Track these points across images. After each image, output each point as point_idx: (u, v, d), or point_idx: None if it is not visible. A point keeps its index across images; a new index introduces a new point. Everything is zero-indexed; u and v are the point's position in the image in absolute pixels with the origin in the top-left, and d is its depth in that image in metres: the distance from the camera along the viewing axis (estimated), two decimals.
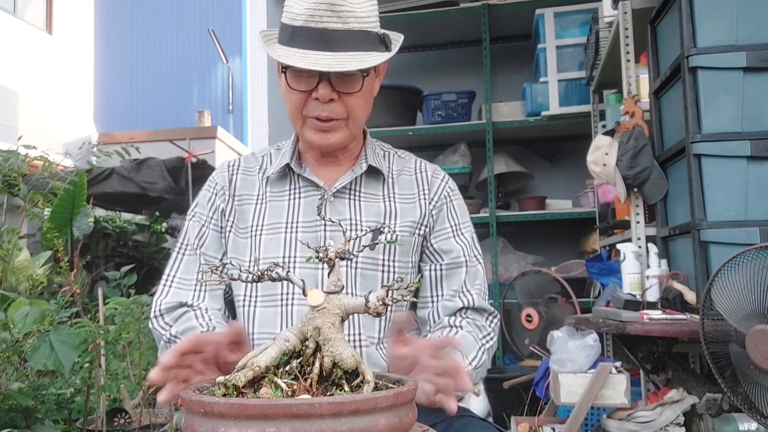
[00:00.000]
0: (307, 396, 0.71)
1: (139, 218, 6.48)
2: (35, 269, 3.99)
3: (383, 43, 1.14)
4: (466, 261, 1.23)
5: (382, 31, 1.14)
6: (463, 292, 1.21)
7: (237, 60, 11.75)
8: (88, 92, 9.43)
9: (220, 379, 0.73)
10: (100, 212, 5.93)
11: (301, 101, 1.14)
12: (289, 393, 0.71)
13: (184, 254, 1.24)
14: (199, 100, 11.65)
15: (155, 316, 1.19)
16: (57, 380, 2.61)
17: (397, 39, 1.17)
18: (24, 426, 1.96)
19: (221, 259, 1.23)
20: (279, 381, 0.72)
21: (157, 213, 6.38)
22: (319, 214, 0.90)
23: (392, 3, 3.94)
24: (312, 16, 1.07)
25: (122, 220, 6.25)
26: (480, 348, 1.16)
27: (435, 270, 1.23)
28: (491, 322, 1.23)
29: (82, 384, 2.39)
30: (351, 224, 1.19)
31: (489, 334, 1.21)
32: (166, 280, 1.22)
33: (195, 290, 1.20)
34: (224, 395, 0.70)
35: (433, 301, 1.22)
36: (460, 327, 1.17)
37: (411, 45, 4.41)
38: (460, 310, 1.21)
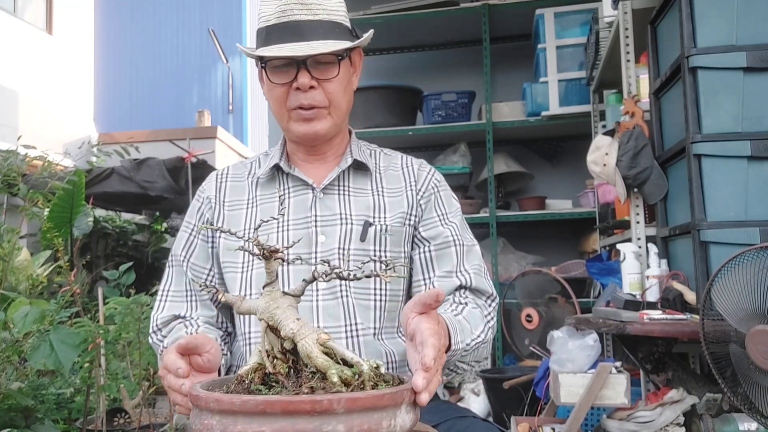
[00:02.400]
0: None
1: (139, 218, 6.48)
2: (35, 269, 3.99)
3: (355, 37, 1.20)
4: (455, 241, 1.23)
5: (352, 26, 1.21)
6: (460, 271, 1.22)
7: (237, 60, 11.75)
8: (88, 92, 9.42)
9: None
10: (99, 212, 5.92)
11: (283, 94, 1.18)
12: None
13: (174, 267, 1.27)
14: (199, 100, 11.65)
15: (153, 332, 1.23)
16: (57, 380, 2.60)
17: (368, 34, 1.22)
18: (24, 426, 1.95)
19: (210, 270, 1.25)
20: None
21: (157, 213, 6.38)
22: (278, 213, 0.91)
23: (392, 3, 3.94)
24: (283, 12, 1.13)
25: (122, 220, 6.24)
26: (486, 324, 1.17)
27: (424, 252, 1.24)
28: (490, 304, 1.23)
29: (82, 384, 2.39)
30: (341, 219, 1.20)
31: (489, 314, 1.21)
32: (162, 295, 1.26)
33: (187, 301, 1.24)
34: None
35: (425, 283, 1.23)
36: (466, 304, 1.18)
37: (411, 45, 4.40)
38: (458, 288, 1.21)
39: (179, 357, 0.90)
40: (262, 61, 1.18)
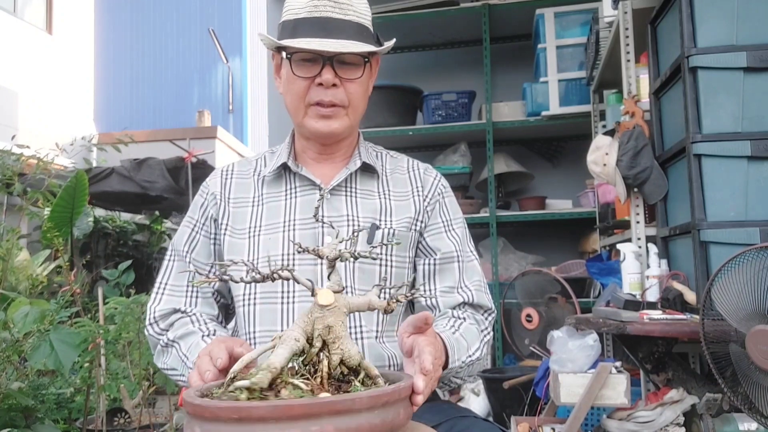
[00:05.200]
0: (327, 394, 0.71)
1: (138, 218, 6.48)
2: (35, 269, 3.99)
3: (377, 41, 1.21)
4: (458, 256, 1.25)
5: (375, 32, 1.22)
6: (461, 287, 1.24)
7: (237, 60, 11.75)
8: (88, 92, 9.42)
9: (242, 383, 0.69)
10: (100, 212, 5.93)
11: (304, 89, 1.18)
12: (310, 392, 0.71)
13: (174, 261, 1.26)
14: (199, 100, 11.65)
15: (150, 324, 1.22)
16: (57, 380, 2.60)
17: (390, 42, 1.24)
18: (24, 425, 1.96)
19: (211, 267, 1.25)
20: (296, 381, 0.72)
21: (157, 213, 6.38)
22: (314, 216, 0.92)
23: (392, 3, 3.94)
24: (316, 6, 1.13)
25: (122, 220, 6.24)
26: (482, 341, 1.19)
27: (428, 265, 1.25)
28: (487, 318, 1.25)
29: (82, 384, 2.39)
30: (348, 221, 1.20)
31: (486, 328, 1.23)
32: (158, 287, 1.25)
33: (187, 296, 1.23)
34: (250, 399, 0.68)
35: (424, 296, 1.24)
36: (464, 319, 1.19)
37: (411, 45, 4.40)
38: (459, 305, 1.23)
39: (224, 351, 0.91)
40: (288, 53, 1.17)
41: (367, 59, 1.18)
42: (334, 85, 1.16)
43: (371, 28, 1.20)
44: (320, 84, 1.16)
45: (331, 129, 1.19)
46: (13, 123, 7.20)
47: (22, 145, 3.84)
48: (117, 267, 2.80)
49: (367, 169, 1.27)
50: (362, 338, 1.15)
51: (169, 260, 1.27)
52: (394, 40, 1.24)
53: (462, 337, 1.13)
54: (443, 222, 1.27)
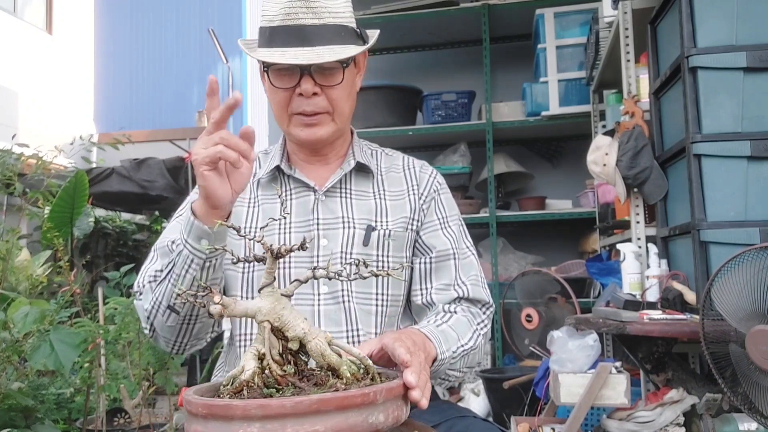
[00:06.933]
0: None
1: (138, 218, 6.49)
2: (35, 269, 3.99)
3: (360, 38, 1.17)
4: (455, 253, 1.24)
5: (358, 27, 1.18)
6: (457, 284, 1.23)
7: (237, 60, 11.72)
8: (88, 92, 9.41)
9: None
10: (100, 212, 5.93)
11: (285, 99, 1.16)
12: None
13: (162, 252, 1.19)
14: (199, 100, 11.62)
15: (141, 285, 1.14)
16: (57, 380, 2.60)
17: (373, 34, 1.20)
18: (24, 426, 1.95)
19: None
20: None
21: (157, 213, 6.38)
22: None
23: (392, 3, 3.94)
24: (288, 15, 1.10)
25: (122, 220, 6.24)
26: (474, 331, 1.18)
27: (424, 263, 1.24)
28: (484, 312, 1.24)
29: (82, 384, 2.39)
30: (343, 223, 1.19)
31: (483, 321, 1.22)
32: (153, 254, 1.18)
33: None
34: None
35: (422, 294, 1.23)
36: (454, 312, 1.19)
37: (411, 45, 4.40)
38: (454, 300, 1.22)
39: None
40: (265, 65, 1.16)
41: (346, 64, 1.15)
42: (315, 93, 1.13)
43: (352, 25, 1.16)
44: (301, 94, 1.13)
45: (317, 137, 1.18)
46: (13, 123, 7.20)
47: (23, 144, 3.83)
48: (117, 267, 2.80)
49: (361, 169, 1.26)
50: (360, 341, 1.14)
51: (156, 252, 1.17)
52: (377, 33, 1.20)
53: (451, 329, 1.12)
54: (439, 219, 1.26)
